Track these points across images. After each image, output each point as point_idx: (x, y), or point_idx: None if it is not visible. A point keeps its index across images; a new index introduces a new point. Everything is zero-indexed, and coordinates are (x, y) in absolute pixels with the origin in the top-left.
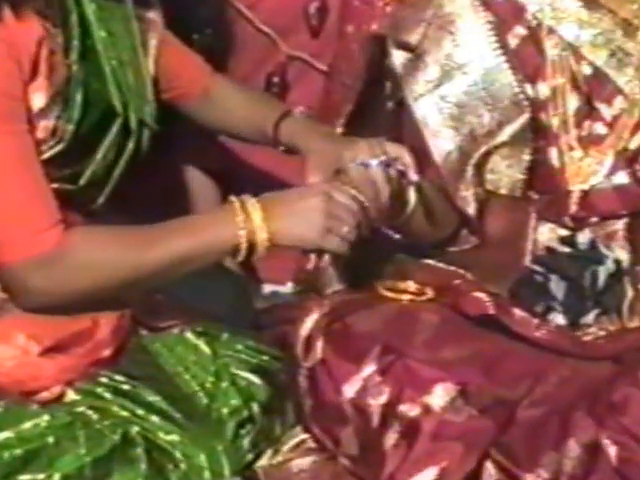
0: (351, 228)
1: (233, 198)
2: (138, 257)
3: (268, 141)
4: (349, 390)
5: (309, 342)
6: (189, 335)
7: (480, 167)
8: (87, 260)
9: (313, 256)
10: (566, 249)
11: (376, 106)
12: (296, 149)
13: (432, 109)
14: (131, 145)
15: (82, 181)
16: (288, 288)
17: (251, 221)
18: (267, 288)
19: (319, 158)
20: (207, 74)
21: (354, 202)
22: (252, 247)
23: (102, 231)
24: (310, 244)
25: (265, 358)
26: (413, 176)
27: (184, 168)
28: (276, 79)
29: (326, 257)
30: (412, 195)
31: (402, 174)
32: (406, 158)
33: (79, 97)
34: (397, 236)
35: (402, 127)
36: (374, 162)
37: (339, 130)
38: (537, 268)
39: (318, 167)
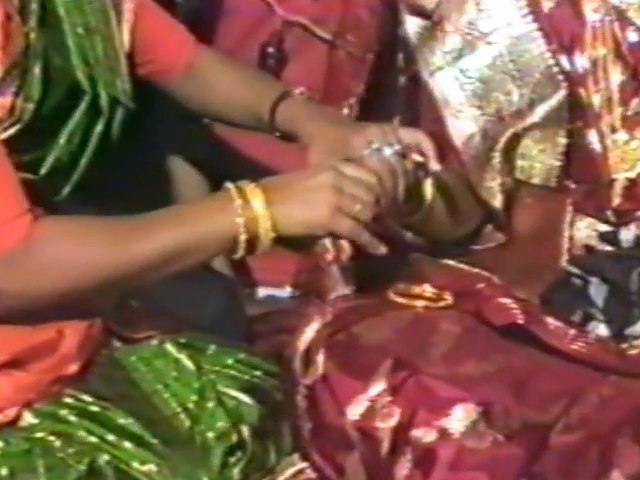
0: (366, 206)
1: (228, 184)
2: (120, 252)
3: (263, 126)
4: (354, 411)
5: (309, 355)
6: (169, 347)
7: (508, 153)
8: (59, 256)
9: (327, 246)
10: (608, 247)
11: (387, 83)
12: (296, 136)
13: (452, 85)
14: (101, 128)
15: (44, 169)
16: (286, 292)
17: (251, 208)
18: (262, 292)
19: (323, 146)
20: (191, 46)
21: (369, 176)
22: (253, 240)
23: (77, 221)
24: (318, 228)
25: (258, 374)
26: (434, 166)
27: (166, 157)
28: (271, 50)
29: (344, 245)
30: (429, 189)
31: (419, 165)
32: (425, 145)
33: (37, 70)
34: (411, 236)
35: (417, 107)
36: (389, 150)
37: (346, 112)
38: (574, 270)
39: (322, 156)
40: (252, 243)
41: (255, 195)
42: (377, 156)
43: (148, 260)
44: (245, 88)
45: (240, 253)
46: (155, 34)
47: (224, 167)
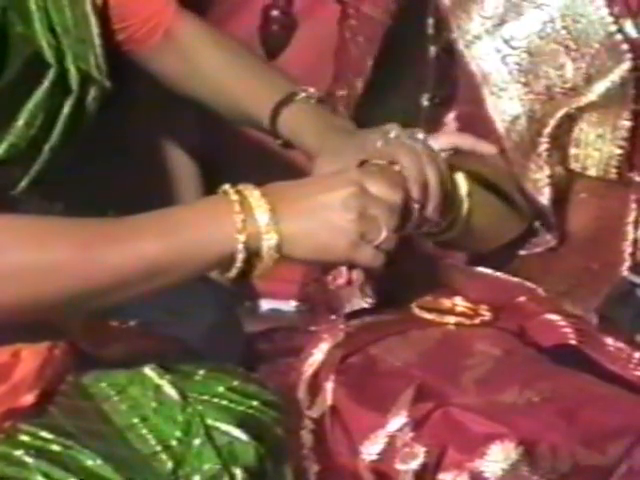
0: (391, 232)
1: (227, 187)
2: (88, 259)
3: (259, 129)
4: (370, 450)
5: (316, 382)
6: (149, 372)
7: (559, 138)
8: (13, 260)
9: (342, 271)
10: None
11: (414, 53)
12: (301, 148)
13: (493, 57)
14: (69, 109)
15: None
16: (293, 305)
17: (254, 221)
18: (265, 305)
19: (332, 162)
20: (171, 10)
21: (396, 192)
22: (252, 258)
23: (37, 221)
24: (337, 256)
25: (255, 404)
26: (488, 149)
27: (152, 144)
28: (276, 13)
29: (355, 274)
30: (464, 186)
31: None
32: (461, 141)
33: None
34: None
35: (450, 84)
36: (411, 136)
37: (360, 87)
38: (639, 280)
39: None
40: (250, 262)
41: (260, 206)
42: (394, 142)
43: (122, 272)
44: (240, 80)
45: (234, 273)
46: None
47: (223, 158)
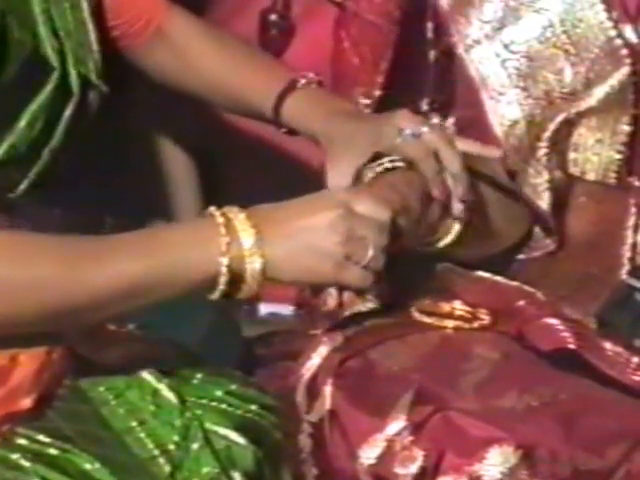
0: (378, 251)
1: (213, 209)
2: (71, 277)
3: (263, 119)
4: (369, 454)
5: (315, 386)
6: (147, 376)
7: (558, 143)
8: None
9: (332, 293)
10: None
11: (413, 58)
12: (309, 136)
13: (492, 62)
14: (70, 112)
15: None
16: (291, 309)
17: (239, 244)
18: (264, 308)
19: (344, 149)
20: (162, 7)
21: (384, 210)
22: (236, 280)
23: (21, 236)
24: (323, 279)
25: (253, 408)
26: (494, 153)
27: (150, 149)
28: (274, 17)
29: (346, 295)
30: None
31: None
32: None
33: None
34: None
35: (450, 88)
36: (426, 130)
37: (364, 101)
38: (638, 284)
39: (345, 162)
40: (234, 285)
41: (245, 229)
42: (413, 140)
43: (102, 291)
44: (237, 72)
45: (216, 295)
46: None
47: (221, 154)
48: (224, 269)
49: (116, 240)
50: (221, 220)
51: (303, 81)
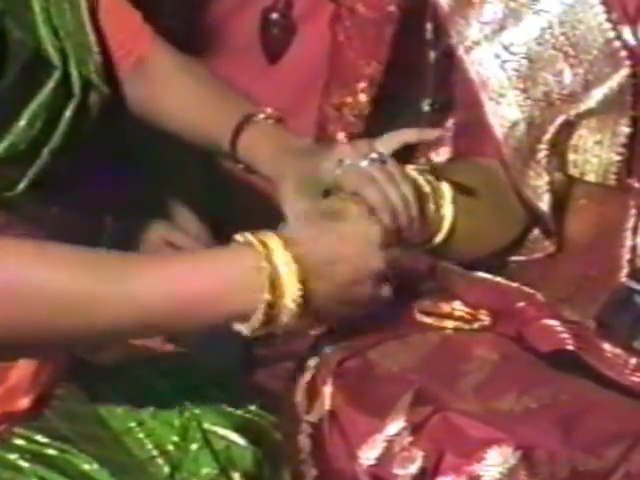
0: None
1: (248, 237)
2: (96, 289)
3: (222, 154)
4: (368, 454)
5: (314, 386)
6: (145, 375)
7: (558, 144)
8: (11, 277)
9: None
10: None
11: (413, 59)
12: (259, 173)
13: (491, 63)
14: (71, 112)
15: None
16: None
17: (279, 280)
18: None
19: (292, 185)
20: (146, 38)
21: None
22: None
23: (42, 245)
24: (359, 309)
25: (252, 409)
26: (430, 134)
27: (150, 149)
28: (275, 16)
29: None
30: (447, 194)
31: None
32: (407, 135)
33: None
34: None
35: (450, 89)
36: (364, 162)
37: (362, 98)
38: (637, 286)
39: (296, 202)
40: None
41: (288, 267)
42: (352, 171)
43: (126, 316)
44: (201, 105)
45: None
46: (115, 11)
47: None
48: (262, 306)
49: (139, 261)
50: (260, 251)
51: (261, 116)
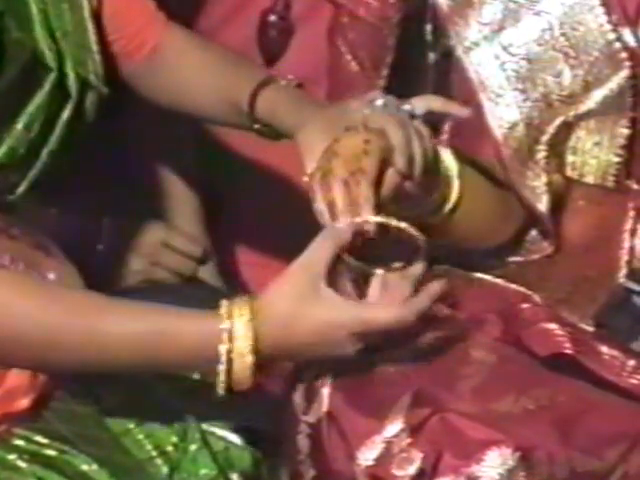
0: None
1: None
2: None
3: (241, 119)
4: (367, 456)
5: (312, 387)
6: (144, 376)
7: (557, 146)
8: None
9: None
10: None
11: (412, 60)
12: (280, 127)
13: (490, 64)
14: (68, 114)
15: None
16: None
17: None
18: None
19: (317, 131)
20: (160, 25)
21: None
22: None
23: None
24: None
25: (251, 410)
26: (460, 112)
27: (149, 150)
28: (274, 18)
29: None
30: (453, 165)
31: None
32: (437, 103)
33: None
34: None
35: (449, 90)
36: (395, 104)
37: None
38: (635, 287)
39: (318, 144)
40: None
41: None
42: (382, 112)
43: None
44: (221, 74)
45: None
46: (122, 5)
47: (221, 185)
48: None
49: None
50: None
51: (283, 82)
